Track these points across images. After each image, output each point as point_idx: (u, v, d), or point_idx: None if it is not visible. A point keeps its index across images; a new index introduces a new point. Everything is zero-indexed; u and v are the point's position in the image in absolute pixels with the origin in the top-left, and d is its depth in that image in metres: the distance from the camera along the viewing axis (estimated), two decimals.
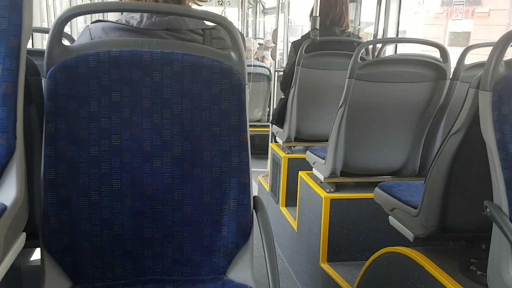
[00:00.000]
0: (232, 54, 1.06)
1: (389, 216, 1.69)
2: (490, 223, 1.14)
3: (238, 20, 5.55)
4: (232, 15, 7.20)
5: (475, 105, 1.21)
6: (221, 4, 6.56)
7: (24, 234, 0.92)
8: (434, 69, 1.94)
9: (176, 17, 1.11)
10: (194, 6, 1.20)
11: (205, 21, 1.15)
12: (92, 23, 1.13)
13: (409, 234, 1.54)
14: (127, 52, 1.01)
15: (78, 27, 3.34)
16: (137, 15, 1.09)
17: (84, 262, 1.04)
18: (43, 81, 1.01)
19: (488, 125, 1.13)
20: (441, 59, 1.96)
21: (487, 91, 1.13)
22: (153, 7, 1.10)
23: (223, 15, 6.11)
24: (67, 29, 1.05)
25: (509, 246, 1.07)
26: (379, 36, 3.18)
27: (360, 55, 1.89)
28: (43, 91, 1.01)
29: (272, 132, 3.22)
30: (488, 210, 1.13)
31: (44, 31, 2.14)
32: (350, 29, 2.73)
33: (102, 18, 1.16)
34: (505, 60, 1.15)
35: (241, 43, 1.06)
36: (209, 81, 1.05)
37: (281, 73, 2.94)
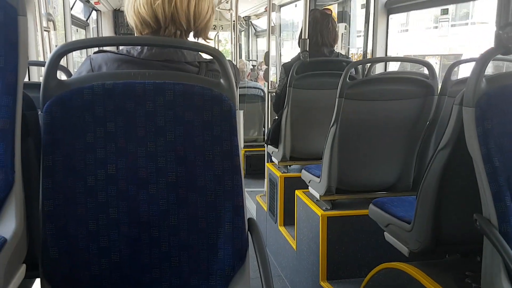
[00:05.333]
0: (222, 81, 1.10)
1: (385, 232, 1.71)
2: (483, 236, 1.16)
3: (231, 43, 5.64)
4: (226, 38, 7.33)
5: (459, 121, 1.24)
6: (214, 29, 6.68)
7: (24, 265, 0.94)
8: (422, 86, 1.99)
9: (175, 50, 1.17)
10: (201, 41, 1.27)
11: (202, 54, 1.20)
12: (94, 53, 1.17)
13: (404, 249, 1.56)
14: (121, 84, 1.04)
15: (74, 60, 3.40)
16: (138, 46, 1.15)
17: None
18: (39, 114, 1.04)
19: (473, 140, 1.15)
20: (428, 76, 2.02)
21: (470, 107, 1.16)
22: (147, 40, 1.15)
23: (216, 38, 6.19)
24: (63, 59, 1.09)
25: (500, 258, 1.09)
26: (368, 54, 3.25)
27: (348, 75, 1.94)
28: (40, 124, 1.04)
29: (267, 152, 3.26)
30: (478, 223, 1.16)
31: (40, 64, 2.19)
32: (341, 50, 2.79)
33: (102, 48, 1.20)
34: (486, 76, 1.19)
35: (230, 71, 1.10)
36: (201, 108, 1.08)
37: (274, 94, 2.99)
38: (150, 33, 1.20)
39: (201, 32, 1.24)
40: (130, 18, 1.20)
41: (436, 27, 8.45)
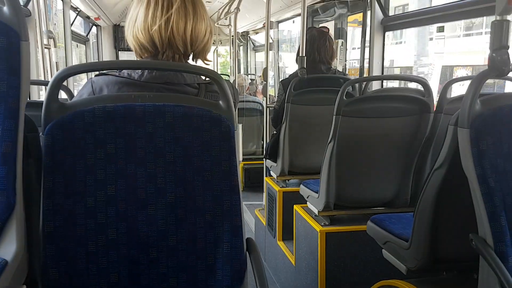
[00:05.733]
0: (221, 103, 1.12)
1: (383, 249, 1.72)
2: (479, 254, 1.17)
3: (230, 57, 5.69)
4: (226, 50, 7.38)
5: (455, 141, 1.25)
6: (213, 44, 6.74)
7: (24, 287, 0.95)
8: (418, 103, 2.02)
9: (175, 72, 1.19)
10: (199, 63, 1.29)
11: (201, 76, 1.22)
12: (95, 76, 1.19)
13: (402, 267, 1.57)
14: (121, 107, 1.06)
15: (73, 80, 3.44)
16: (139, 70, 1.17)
17: None
18: (40, 136, 1.06)
19: (468, 160, 1.17)
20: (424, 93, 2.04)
21: (465, 128, 1.17)
22: (148, 64, 1.17)
23: (215, 53, 6.23)
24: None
25: (496, 277, 1.10)
26: (365, 71, 3.29)
27: (345, 93, 1.97)
28: (41, 146, 1.05)
29: (266, 166, 3.27)
30: (473, 243, 1.17)
31: (41, 83, 2.21)
32: (338, 66, 2.82)
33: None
34: (481, 97, 1.21)
35: (229, 92, 1.12)
36: (200, 129, 1.10)
37: (273, 108, 3.02)
38: (149, 56, 1.22)
39: (199, 54, 1.27)
40: (130, 43, 1.23)
41: (469, 35, 8.49)
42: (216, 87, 1.14)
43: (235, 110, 1.18)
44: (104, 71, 1.18)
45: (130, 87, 1.15)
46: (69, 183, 1.04)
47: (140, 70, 1.17)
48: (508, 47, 1.15)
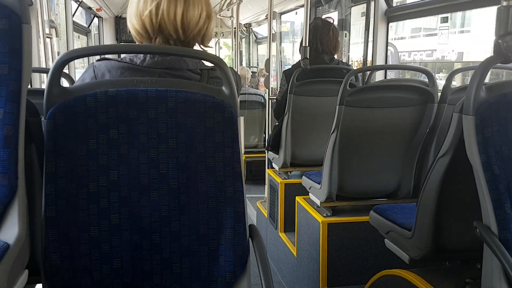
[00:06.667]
0: (224, 89, 1.11)
1: (385, 239, 1.71)
2: (483, 243, 1.17)
3: (232, 50, 5.67)
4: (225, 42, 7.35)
5: (459, 129, 1.25)
6: (215, 36, 6.72)
7: (26, 271, 0.94)
8: (422, 93, 2.00)
9: (178, 57, 1.18)
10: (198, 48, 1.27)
11: (204, 62, 1.21)
12: (97, 60, 1.19)
13: (404, 256, 1.56)
14: (123, 92, 1.05)
15: (75, 65, 3.43)
16: (140, 54, 1.16)
17: None
18: (42, 121, 1.05)
19: (473, 148, 1.16)
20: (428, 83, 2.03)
21: (470, 115, 1.17)
22: (150, 48, 1.16)
23: (217, 45, 6.21)
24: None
25: (500, 265, 1.10)
26: (368, 62, 3.27)
27: (348, 82, 1.96)
28: (43, 131, 1.05)
29: (268, 158, 3.26)
30: (478, 230, 1.16)
31: (43, 71, 2.20)
32: (343, 57, 2.80)
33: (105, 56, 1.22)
34: (486, 84, 1.20)
35: (232, 78, 1.11)
36: (203, 115, 1.09)
37: (275, 100, 3.01)
38: (147, 42, 1.21)
39: (194, 40, 1.24)
40: (129, 30, 1.23)
41: None
42: (218, 73, 1.13)
43: (238, 97, 1.17)
44: (105, 56, 1.17)
45: (132, 72, 1.14)
46: (71, 167, 1.03)
47: (142, 55, 1.16)
48: None
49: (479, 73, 1.18)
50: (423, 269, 1.53)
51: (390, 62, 3.85)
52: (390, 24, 3.17)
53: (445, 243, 1.45)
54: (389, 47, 3.21)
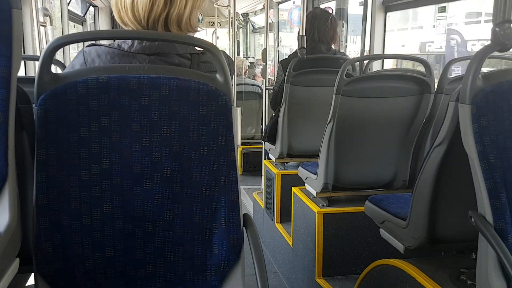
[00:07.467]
0: (218, 76, 1.10)
1: (380, 229, 1.71)
2: (478, 233, 1.16)
3: (229, 40, 5.63)
4: (223, 35, 7.31)
5: (456, 118, 1.24)
6: (212, 25, 6.67)
7: (17, 259, 0.94)
8: (419, 83, 1.99)
9: (167, 43, 1.15)
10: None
11: (194, 46, 1.19)
12: (86, 46, 1.17)
13: (399, 246, 1.57)
14: (115, 78, 1.04)
15: (70, 53, 3.40)
16: (129, 40, 1.14)
17: (78, 285, 1.05)
18: (34, 108, 1.04)
19: (469, 137, 1.16)
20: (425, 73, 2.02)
21: (467, 104, 1.16)
22: (141, 34, 1.14)
23: (214, 35, 6.15)
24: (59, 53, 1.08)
25: (495, 254, 1.09)
26: (366, 52, 3.25)
27: (345, 72, 1.94)
28: (34, 118, 1.03)
29: (265, 149, 3.26)
30: (473, 220, 1.16)
31: (35, 58, 2.17)
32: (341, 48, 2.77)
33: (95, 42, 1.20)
34: (482, 73, 1.19)
35: (226, 66, 1.10)
36: (196, 103, 1.08)
37: (272, 91, 2.99)
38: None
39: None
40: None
41: None
42: (208, 56, 1.11)
43: (232, 82, 1.15)
44: (95, 42, 1.15)
45: (121, 58, 1.12)
46: (62, 155, 1.02)
47: (130, 41, 1.14)
48: (511, 21, 1.12)
49: (475, 61, 1.17)
50: (418, 259, 1.53)
51: (456, 52, 3.53)
52: (445, 9, 2.84)
53: (440, 233, 1.45)
54: (455, 35, 2.99)
